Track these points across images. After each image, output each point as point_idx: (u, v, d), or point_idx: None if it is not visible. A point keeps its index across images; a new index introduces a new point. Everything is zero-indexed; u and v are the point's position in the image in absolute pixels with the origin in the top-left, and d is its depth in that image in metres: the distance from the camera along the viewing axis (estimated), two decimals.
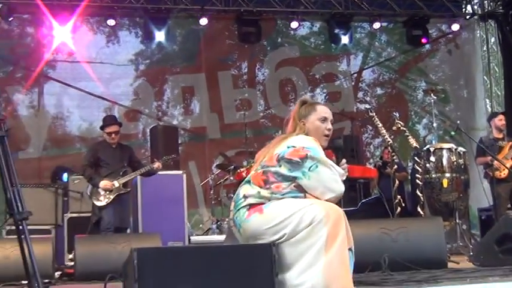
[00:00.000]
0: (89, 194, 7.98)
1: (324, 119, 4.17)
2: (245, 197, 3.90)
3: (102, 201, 7.71)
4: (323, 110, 4.21)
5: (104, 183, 7.69)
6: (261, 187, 3.88)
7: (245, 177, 4.14)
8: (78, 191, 9.24)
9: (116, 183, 7.75)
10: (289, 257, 3.68)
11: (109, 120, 8.24)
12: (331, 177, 3.89)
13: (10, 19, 11.04)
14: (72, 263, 6.50)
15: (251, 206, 3.85)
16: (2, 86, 11.41)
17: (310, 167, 3.86)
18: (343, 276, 3.59)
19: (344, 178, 4.02)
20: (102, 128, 8.14)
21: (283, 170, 3.88)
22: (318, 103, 4.33)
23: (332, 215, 3.67)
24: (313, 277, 3.57)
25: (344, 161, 4.18)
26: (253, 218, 3.80)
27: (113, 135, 7.95)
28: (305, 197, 3.86)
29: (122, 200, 7.86)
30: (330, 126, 4.18)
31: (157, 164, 8.01)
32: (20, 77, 11.90)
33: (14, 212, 3.48)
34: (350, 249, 3.72)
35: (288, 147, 3.94)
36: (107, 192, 7.70)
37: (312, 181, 3.85)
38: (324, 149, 4.06)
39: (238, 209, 3.90)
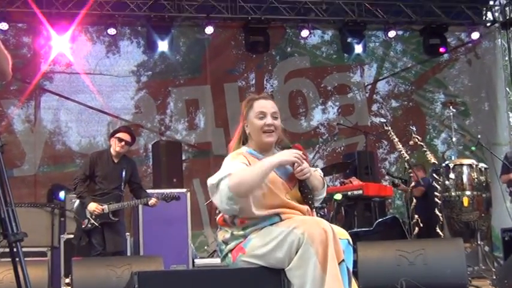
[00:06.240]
0: (74, 211, 7.81)
1: (262, 115, 3.95)
2: (225, 243, 3.92)
3: (85, 224, 7.37)
4: (259, 105, 3.99)
5: (92, 206, 7.29)
6: (230, 227, 3.88)
7: None
8: None
9: (106, 209, 7.35)
10: None
11: (124, 128, 8.02)
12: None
13: (5, 28, 11.04)
14: None
15: (232, 249, 3.86)
16: None
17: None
18: None
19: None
20: (113, 133, 7.72)
21: None
22: (257, 98, 4.07)
23: (315, 233, 3.53)
24: None
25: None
26: (238, 261, 3.82)
27: (123, 144, 7.51)
28: (281, 220, 3.76)
29: (112, 223, 7.47)
30: (269, 121, 3.94)
31: (153, 201, 7.57)
32: (15, 89, 11.91)
33: (8, 233, 3.47)
34: (343, 261, 3.58)
35: None
36: (93, 217, 7.35)
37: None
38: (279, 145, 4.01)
39: (224, 257, 3.94)
